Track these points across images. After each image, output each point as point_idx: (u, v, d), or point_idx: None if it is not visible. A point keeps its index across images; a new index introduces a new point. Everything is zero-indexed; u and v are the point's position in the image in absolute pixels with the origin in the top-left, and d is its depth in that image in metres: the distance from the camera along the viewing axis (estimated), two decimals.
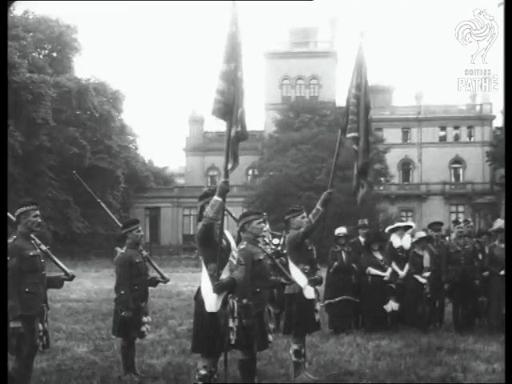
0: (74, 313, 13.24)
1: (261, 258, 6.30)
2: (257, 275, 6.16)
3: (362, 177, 6.96)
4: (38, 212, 5.89)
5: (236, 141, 5.50)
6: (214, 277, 5.48)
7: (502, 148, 34.87)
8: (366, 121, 6.94)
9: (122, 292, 7.05)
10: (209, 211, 5.38)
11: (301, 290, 6.87)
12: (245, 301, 5.93)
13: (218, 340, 5.46)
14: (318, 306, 7.15)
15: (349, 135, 7.00)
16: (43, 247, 5.97)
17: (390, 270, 10.57)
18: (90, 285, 20.97)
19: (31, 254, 5.77)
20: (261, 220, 6.50)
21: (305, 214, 7.07)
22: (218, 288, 5.41)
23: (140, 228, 7.42)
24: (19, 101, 35.97)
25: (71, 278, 6.06)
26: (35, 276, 5.77)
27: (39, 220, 5.88)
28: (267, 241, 9.63)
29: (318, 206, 6.78)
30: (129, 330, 7.10)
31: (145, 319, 7.23)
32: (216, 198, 5.40)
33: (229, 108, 5.44)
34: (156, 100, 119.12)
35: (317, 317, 7.04)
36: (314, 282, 6.96)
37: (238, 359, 6.37)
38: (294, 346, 6.98)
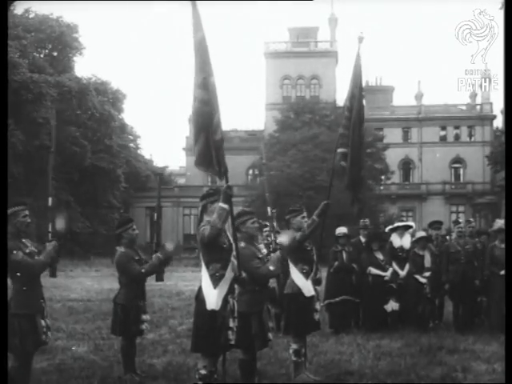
0: (74, 312, 13.24)
1: (259, 256, 6.33)
2: None
3: (353, 192, 6.88)
4: (27, 212, 5.92)
5: (219, 147, 5.35)
6: (216, 277, 5.50)
7: (502, 150, 34.86)
8: (359, 135, 6.76)
9: (143, 271, 7.03)
10: (217, 221, 5.34)
11: (299, 289, 6.88)
12: (244, 274, 5.81)
13: (218, 339, 5.47)
14: (318, 305, 7.15)
15: (338, 150, 6.84)
16: (32, 248, 5.96)
17: (390, 269, 10.56)
18: (90, 284, 20.95)
19: (26, 251, 5.80)
20: (255, 219, 6.50)
21: (305, 214, 7.07)
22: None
23: (134, 226, 7.39)
24: (20, 100, 35.97)
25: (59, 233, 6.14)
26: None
27: (28, 220, 5.92)
28: (270, 240, 9.61)
29: (314, 216, 6.76)
30: (128, 329, 7.11)
31: (144, 317, 7.23)
32: (222, 205, 5.36)
33: (210, 118, 5.24)
34: (156, 99, 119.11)
35: (316, 316, 7.03)
36: (316, 282, 7.00)
37: (238, 359, 6.38)
38: (294, 346, 6.98)
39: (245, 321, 5.94)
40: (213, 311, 5.44)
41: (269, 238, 9.58)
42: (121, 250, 7.25)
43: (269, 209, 7.76)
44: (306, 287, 6.89)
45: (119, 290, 7.26)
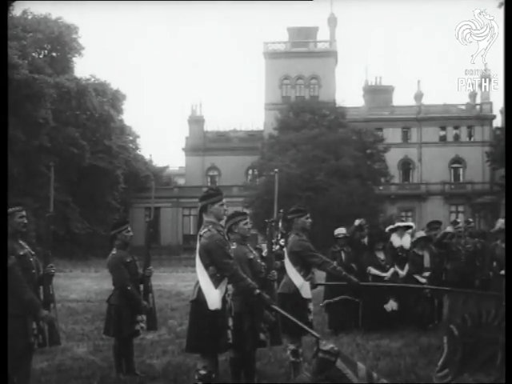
0: (74, 313, 13.23)
1: (251, 257, 6.38)
2: (251, 274, 6.22)
3: None
4: (23, 213, 5.89)
5: None
6: (216, 277, 5.55)
7: (501, 148, 34.86)
8: None
9: (129, 288, 7.04)
10: (242, 284, 5.63)
11: (295, 289, 6.90)
12: (257, 291, 5.90)
13: (219, 339, 5.50)
14: (311, 306, 7.16)
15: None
16: (28, 250, 5.93)
17: (391, 270, 10.54)
18: (90, 285, 20.90)
19: (21, 253, 5.78)
20: (247, 220, 6.52)
21: (309, 215, 7.09)
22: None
23: (129, 228, 7.36)
24: (19, 100, 35.95)
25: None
26: (25, 275, 5.78)
27: (25, 221, 5.88)
28: (273, 241, 9.58)
29: (344, 273, 7.19)
30: (120, 330, 7.10)
31: (139, 318, 7.21)
32: (257, 291, 5.71)
33: None
34: (156, 100, 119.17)
35: (310, 317, 7.04)
36: (312, 286, 7.05)
37: (229, 357, 6.42)
38: (291, 346, 7.01)
39: (237, 320, 5.96)
40: (215, 311, 5.46)
41: (272, 240, 9.56)
42: (113, 251, 7.25)
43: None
44: (304, 288, 6.92)
45: (113, 290, 7.27)
